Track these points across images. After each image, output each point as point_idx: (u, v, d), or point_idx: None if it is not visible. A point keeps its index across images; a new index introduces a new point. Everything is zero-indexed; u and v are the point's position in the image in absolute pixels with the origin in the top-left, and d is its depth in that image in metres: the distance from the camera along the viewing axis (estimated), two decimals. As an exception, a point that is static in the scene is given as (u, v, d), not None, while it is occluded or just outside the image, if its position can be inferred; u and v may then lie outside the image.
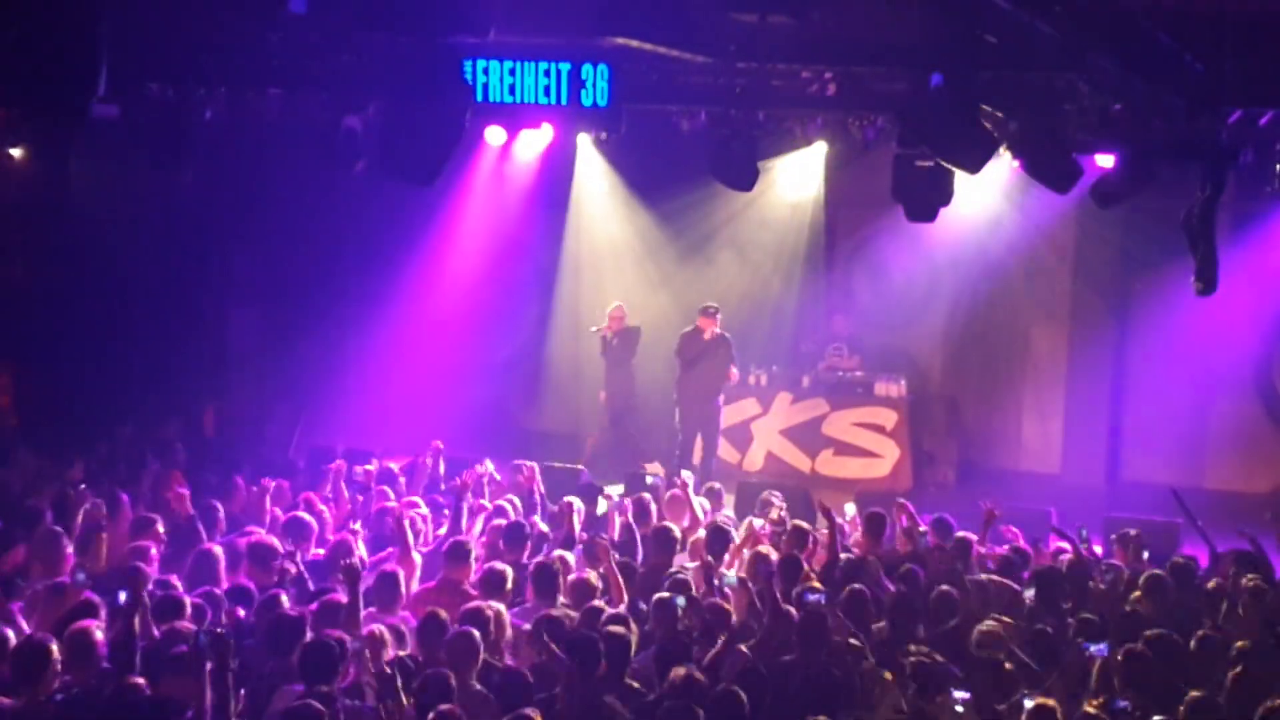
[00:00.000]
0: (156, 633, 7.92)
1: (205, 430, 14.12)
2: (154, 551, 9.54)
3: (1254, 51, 11.42)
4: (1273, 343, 16.66)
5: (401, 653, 7.98)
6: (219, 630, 7.03)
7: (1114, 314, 17.37)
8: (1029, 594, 9.47)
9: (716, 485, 12.88)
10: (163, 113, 13.48)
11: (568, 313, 18.65)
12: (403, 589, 9.01)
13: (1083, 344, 17.45)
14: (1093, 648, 7.96)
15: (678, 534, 10.64)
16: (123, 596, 8.15)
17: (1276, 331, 16.56)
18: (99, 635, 7.63)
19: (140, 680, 7.20)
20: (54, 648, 7.31)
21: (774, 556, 10.01)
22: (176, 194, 15.07)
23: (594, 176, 17.78)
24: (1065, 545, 11.04)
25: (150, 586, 8.51)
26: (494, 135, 15.44)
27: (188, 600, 8.48)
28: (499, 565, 9.37)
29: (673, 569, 9.82)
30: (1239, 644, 8.40)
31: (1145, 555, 10.86)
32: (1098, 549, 11.35)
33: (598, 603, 8.85)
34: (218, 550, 9.56)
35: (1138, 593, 9.62)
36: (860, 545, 11.06)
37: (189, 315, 16.76)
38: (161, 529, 10.15)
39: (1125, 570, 10.41)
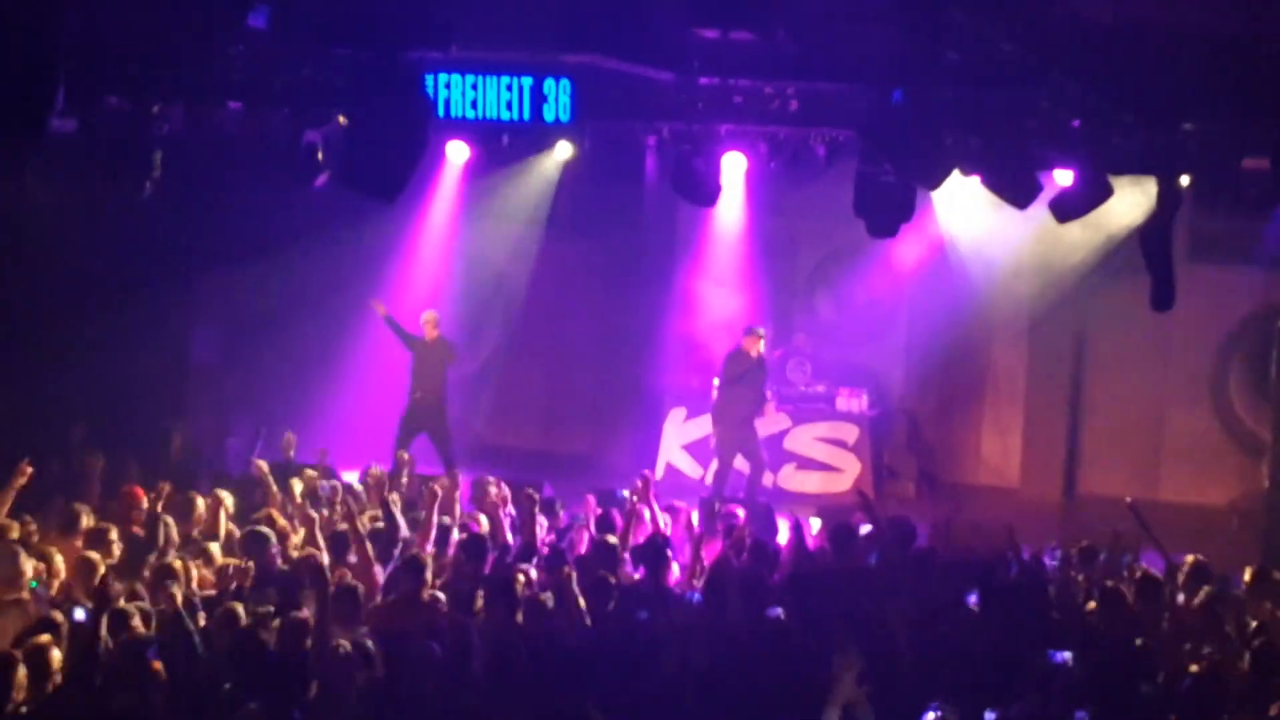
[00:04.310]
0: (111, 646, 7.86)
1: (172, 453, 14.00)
2: (101, 567, 9.47)
3: (1211, 68, 11.54)
4: (1228, 357, 16.79)
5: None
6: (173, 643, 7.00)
7: (1072, 329, 17.48)
8: (972, 600, 9.48)
9: (680, 503, 12.85)
10: (121, 126, 13.43)
11: (532, 328, 18.64)
12: (362, 603, 8.96)
13: (1041, 359, 17.56)
14: (1057, 656, 7.99)
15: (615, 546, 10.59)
16: (80, 613, 8.12)
17: (1232, 346, 16.69)
18: (56, 651, 7.58)
19: (90, 694, 7.14)
20: (18, 662, 7.27)
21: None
22: (135, 208, 14.96)
23: (554, 192, 17.72)
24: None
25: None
26: (455, 150, 15.40)
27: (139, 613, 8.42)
28: (453, 580, 9.35)
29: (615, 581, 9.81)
30: (1194, 654, 8.45)
31: (1100, 558, 10.90)
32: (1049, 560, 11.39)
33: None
34: (177, 564, 9.50)
35: (1094, 604, 9.66)
36: (825, 558, 11.06)
37: (149, 330, 16.62)
38: (116, 539, 10.09)
39: (1082, 581, 10.45)
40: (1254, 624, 9.27)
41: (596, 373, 18.55)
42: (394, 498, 11.22)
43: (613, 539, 10.70)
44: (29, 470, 11.05)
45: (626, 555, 10.63)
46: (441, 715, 7.48)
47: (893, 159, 11.92)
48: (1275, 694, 7.94)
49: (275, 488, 11.87)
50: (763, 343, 15.65)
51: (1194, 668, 8.11)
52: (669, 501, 12.73)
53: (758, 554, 10.63)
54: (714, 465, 16.47)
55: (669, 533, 11.52)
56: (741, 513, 12.07)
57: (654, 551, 10.30)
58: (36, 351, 15.21)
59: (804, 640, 8.60)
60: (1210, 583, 9.99)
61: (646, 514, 11.50)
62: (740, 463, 15.82)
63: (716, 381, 17.00)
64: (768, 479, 16.82)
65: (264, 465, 12.02)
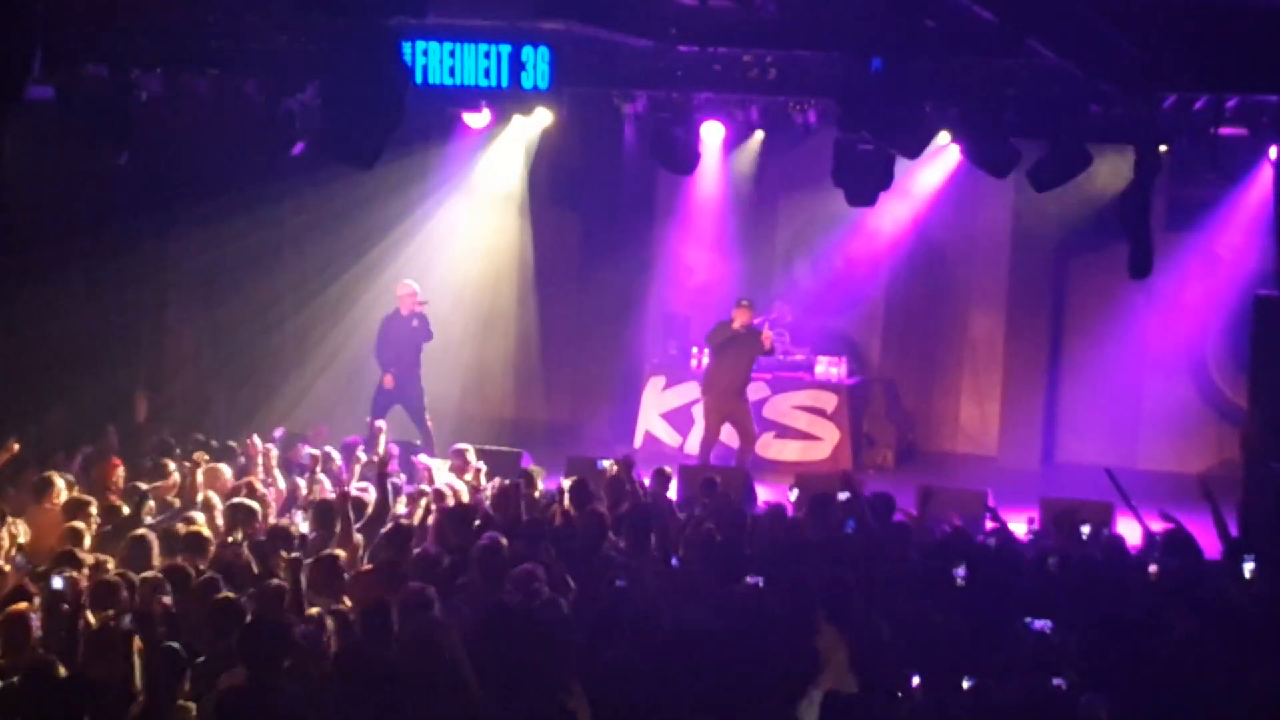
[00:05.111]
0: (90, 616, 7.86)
1: (136, 416, 13.99)
2: (86, 537, 9.48)
3: (1189, 37, 11.55)
4: (1207, 326, 16.86)
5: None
6: (149, 612, 7.00)
7: (1051, 298, 17.54)
8: (959, 572, 9.51)
9: (668, 469, 12.87)
10: (99, 93, 13.36)
11: (511, 297, 18.63)
12: (344, 572, 8.97)
13: (1020, 328, 17.62)
14: (1035, 625, 8.02)
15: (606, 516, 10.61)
16: (58, 582, 8.11)
17: (1210, 315, 16.76)
18: (34, 620, 7.58)
19: (59, 663, 7.13)
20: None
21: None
22: (112, 176, 14.90)
23: (532, 160, 17.66)
24: (997, 524, 11.12)
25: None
26: (436, 119, 15.23)
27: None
28: (433, 550, 9.35)
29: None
30: (1171, 621, 8.50)
31: (1085, 531, 10.95)
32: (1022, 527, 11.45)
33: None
34: (150, 535, 9.49)
35: (1070, 572, 9.70)
36: (803, 527, 11.08)
37: (126, 298, 16.59)
38: (95, 512, 10.08)
39: (1061, 549, 10.49)
40: (1223, 592, 9.33)
41: (575, 342, 18.56)
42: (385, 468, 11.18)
43: (599, 509, 10.71)
44: (15, 447, 11.06)
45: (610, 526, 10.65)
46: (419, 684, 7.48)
47: (871, 127, 11.88)
48: (1249, 661, 7.99)
49: (259, 460, 11.89)
50: (747, 314, 15.63)
51: (1171, 635, 8.16)
52: (658, 466, 12.75)
53: (736, 522, 10.65)
54: (695, 433, 16.53)
55: (652, 501, 11.55)
56: (719, 480, 12.09)
57: (638, 521, 10.31)
58: (12, 317, 15.16)
59: (782, 609, 8.62)
60: (1186, 551, 10.05)
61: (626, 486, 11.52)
62: (728, 433, 15.86)
63: (695, 350, 17.09)
64: (746, 448, 16.88)
65: (258, 442, 12.04)
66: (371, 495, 10.77)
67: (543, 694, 7.09)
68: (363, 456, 12.55)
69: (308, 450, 12.70)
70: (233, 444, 12.86)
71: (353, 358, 17.18)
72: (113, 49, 13.11)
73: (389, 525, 9.84)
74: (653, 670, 7.50)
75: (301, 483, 11.79)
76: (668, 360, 17.59)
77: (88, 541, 9.56)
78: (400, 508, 10.93)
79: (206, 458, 11.55)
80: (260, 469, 11.85)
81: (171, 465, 11.45)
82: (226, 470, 11.78)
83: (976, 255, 17.54)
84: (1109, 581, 9.61)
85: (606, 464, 12.45)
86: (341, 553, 9.23)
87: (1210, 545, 10.54)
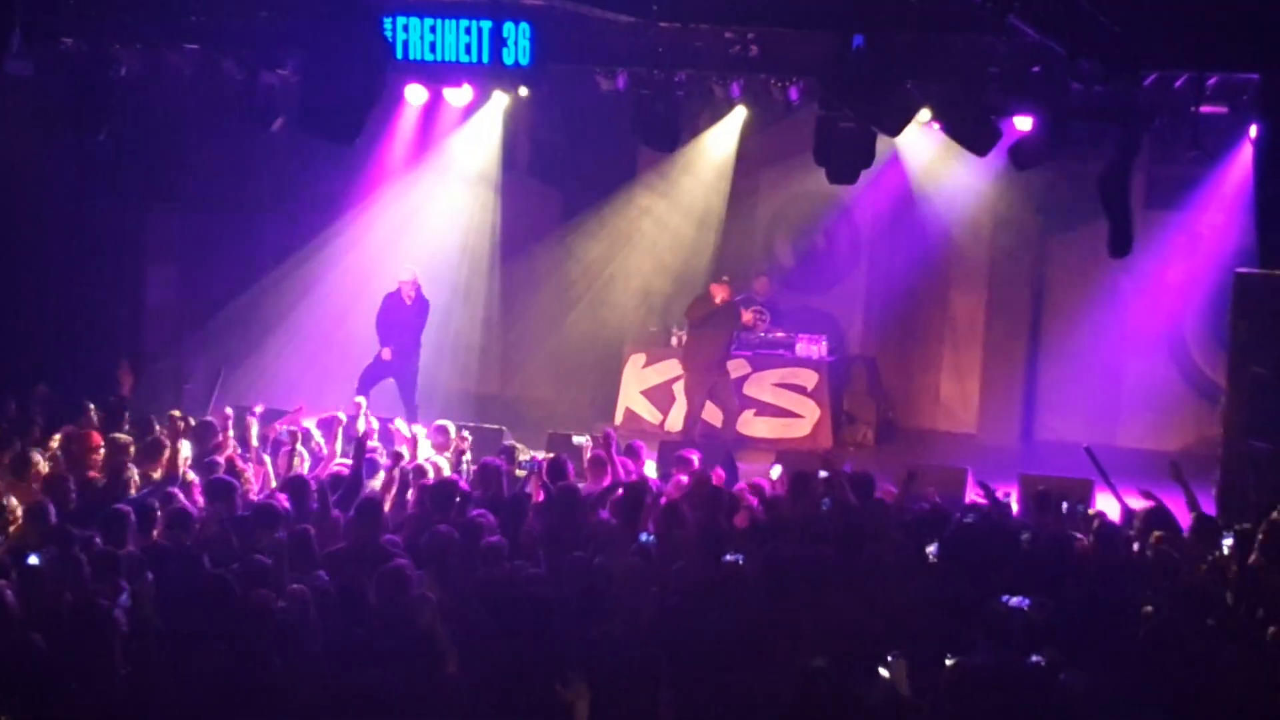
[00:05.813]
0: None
1: (121, 389, 13.93)
2: (53, 512, 9.44)
3: (1170, 15, 11.56)
4: (1187, 304, 16.90)
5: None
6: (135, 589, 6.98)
7: (1031, 276, 17.57)
8: (930, 549, 9.52)
9: (639, 444, 12.87)
10: (77, 69, 13.30)
11: (491, 273, 18.60)
12: (315, 548, 8.94)
13: (1000, 305, 17.65)
14: (1012, 601, 8.04)
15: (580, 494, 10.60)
16: (34, 559, 8.08)
17: (1190, 293, 16.79)
18: (9, 596, 7.55)
19: (38, 639, 7.11)
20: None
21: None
22: (92, 151, 14.83)
23: (513, 136, 17.62)
24: (982, 500, 11.13)
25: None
26: (414, 94, 15.27)
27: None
28: (444, 530, 9.30)
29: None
30: (1150, 599, 8.53)
31: (1064, 507, 10.99)
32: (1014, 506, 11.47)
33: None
34: (129, 510, 9.45)
35: (1050, 549, 9.73)
36: (784, 505, 11.08)
37: (105, 273, 16.53)
38: (73, 488, 10.06)
39: (1040, 526, 10.52)
40: (1202, 568, 9.37)
41: (555, 318, 18.55)
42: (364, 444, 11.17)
43: (576, 484, 10.71)
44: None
45: (594, 502, 10.64)
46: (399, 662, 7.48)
47: (853, 105, 11.91)
48: (1226, 638, 8.03)
49: (232, 434, 11.83)
50: (727, 289, 15.71)
51: (1148, 612, 8.18)
52: (629, 442, 12.75)
53: (714, 499, 10.64)
54: (676, 410, 16.56)
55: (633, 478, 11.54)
56: (696, 458, 12.09)
57: (631, 501, 10.31)
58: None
59: (761, 585, 8.63)
60: (1165, 529, 10.08)
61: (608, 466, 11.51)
62: (709, 410, 15.88)
63: (676, 329, 17.10)
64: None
65: (229, 412, 12.00)
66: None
67: (538, 684, 7.08)
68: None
69: (286, 428, 12.66)
70: (211, 420, 12.80)
71: (336, 332, 17.15)
72: (92, 24, 13.04)
73: (361, 502, 9.81)
74: (631, 646, 7.51)
75: (268, 459, 11.75)
76: (648, 337, 17.59)
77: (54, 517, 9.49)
78: (377, 484, 10.91)
79: (179, 417, 11.44)
80: (235, 443, 11.81)
81: (166, 443, 11.39)
82: (185, 444, 11.67)
83: (957, 233, 17.54)
84: (1087, 558, 9.64)
85: (582, 439, 12.48)
86: (316, 530, 9.21)
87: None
